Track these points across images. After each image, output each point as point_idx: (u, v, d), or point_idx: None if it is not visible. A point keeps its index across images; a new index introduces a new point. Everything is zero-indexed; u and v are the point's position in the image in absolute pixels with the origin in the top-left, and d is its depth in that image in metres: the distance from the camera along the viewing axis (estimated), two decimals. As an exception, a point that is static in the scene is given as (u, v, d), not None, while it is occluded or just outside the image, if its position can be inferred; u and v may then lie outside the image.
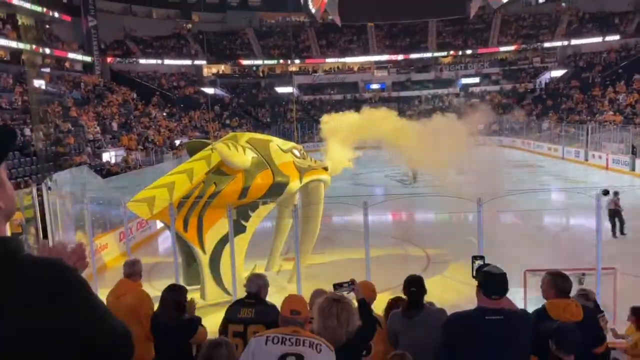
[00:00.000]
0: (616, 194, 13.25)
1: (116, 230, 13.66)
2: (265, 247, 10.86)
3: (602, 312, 5.28)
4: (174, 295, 4.15)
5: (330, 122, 12.92)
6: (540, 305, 3.66)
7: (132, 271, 4.95)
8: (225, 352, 3.15)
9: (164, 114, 40.13)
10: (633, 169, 23.70)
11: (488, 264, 3.24)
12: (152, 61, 48.13)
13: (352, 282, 3.82)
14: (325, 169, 10.60)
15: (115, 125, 31.26)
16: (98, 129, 28.75)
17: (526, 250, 10.94)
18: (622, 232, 13.02)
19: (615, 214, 13.08)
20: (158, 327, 4.16)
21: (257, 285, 4.25)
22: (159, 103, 41.46)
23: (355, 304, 3.76)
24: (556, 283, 3.57)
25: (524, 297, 7.53)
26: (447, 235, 12.99)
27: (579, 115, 37.59)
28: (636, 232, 12.85)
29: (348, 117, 13.16)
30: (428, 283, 9.54)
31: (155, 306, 4.76)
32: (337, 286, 3.79)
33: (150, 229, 15.61)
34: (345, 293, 3.80)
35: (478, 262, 3.43)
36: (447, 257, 11.36)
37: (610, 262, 8.11)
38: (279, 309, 3.19)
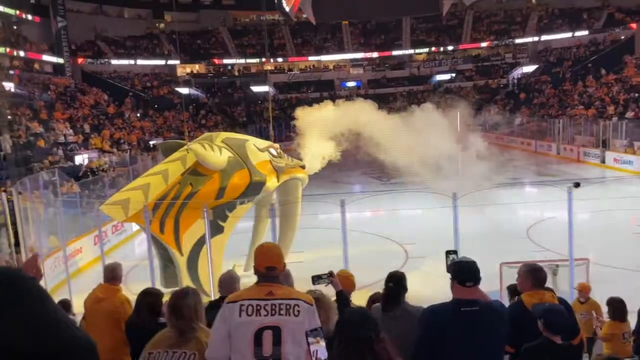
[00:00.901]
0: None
1: (90, 234, 13.42)
2: (244, 247, 10.80)
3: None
4: (149, 299, 4.08)
5: (305, 117, 12.52)
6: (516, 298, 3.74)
7: (113, 276, 4.83)
8: (192, 301, 3.03)
9: (138, 114, 39.56)
10: (603, 162, 24.28)
11: (462, 259, 3.28)
12: (125, 62, 47.35)
13: (331, 274, 3.83)
14: (303, 167, 10.60)
15: (87, 127, 30.68)
16: (70, 131, 28.18)
17: (501, 243, 11.13)
18: None
19: None
20: (133, 331, 4.10)
21: (228, 288, 4.20)
22: (133, 104, 40.84)
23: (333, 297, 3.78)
24: (531, 275, 3.64)
25: (500, 289, 7.64)
26: (424, 230, 13.10)
27: (550, 109, 38.34)
28: (607, 223, 13.18)
29: (324, 110, 12.79)
30: (407, 278, 9.60)
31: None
32: (316, 278, 3.79)
33: (126, 232, 15.39)
34: (323, 285, 3.81)
35: (452, 257, 3.46)
36: (424, 252, 11.45)
37: (583, 252, 8.29)
38: (254, 268, 2.99)
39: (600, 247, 10.93)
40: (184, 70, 51.94)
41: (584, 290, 6.32)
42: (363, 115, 12.73)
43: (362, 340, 2.41)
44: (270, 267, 2.87)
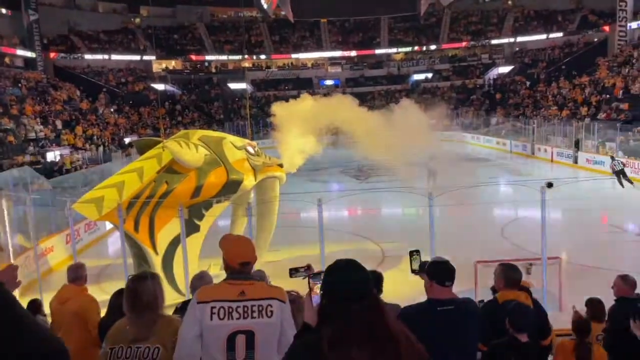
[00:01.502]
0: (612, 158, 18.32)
1: (62, 232, 13.12)
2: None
3: None
4: (122, 300, 3.98)
5: (282, 112, 12.17)
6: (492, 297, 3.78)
7: (76, 276, 4.71)
8: (151, 285, 2.89)
9: (112, 110, 38.90)
10: (576, 162, 24.78)
11: (426, 261, 3.30)
12: (99, 56, 46.51)
13: (309, 267, 3.78)
14: (281, 165, 10.53)
15: (59, 123, 30.03)
16: (41, 127, 27.53)
17: (476, 242, 11.25)
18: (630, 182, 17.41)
19: (619, 173, 17.71)
20: (105, 331, 3.98)
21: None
22: (107, 100, 40.14)
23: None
24: (506, 274, 3.68)
25: (475, 287, 7.72)
26: (401, 229, 13.19)
27: (525, 110, 39.00)
28: (579, 221, 13.44)
29: (302, 105, 12.47)
30: (384, 276, 9.60)
31: (103, 311, 4.59)
32: (293, 271, 3.74)
33: (99, 230, 15.10)
34: (301, 278, 3.77)
35: (415, 256, 3.46)
36: (401, 250, 11.50)
37: (556, 251, 8.44)
38: (224, 261, 2.82)
39: (572, 245, 11.13)
40: (159, 66, 51.25)
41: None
42: (343, 110, 12.56)
43: (354, 298, 1.85)
44: (244, 262, 2.75)
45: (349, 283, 1.94)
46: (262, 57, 53.91)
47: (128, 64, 48.72)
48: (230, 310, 2.60)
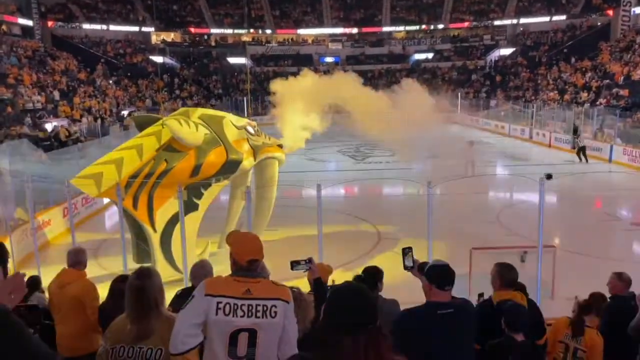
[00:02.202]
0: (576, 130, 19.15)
1: (60, 206, 13.14)
2: (220, 223, 10.75)
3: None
4: (123, 285, 3.98)
5: (283, 90, 11.89)
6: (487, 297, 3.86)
7: (76, 260, 4.72)
8: (158, 282, 2.92)
9: (110, 82, 38.53)
10: (574, 148, 24.78)
11: (427, 262, 3.33)
12: (97, 26, 45.83)
13: (310, 260, 3.81)
14: (280, 146, 10.51)
15: (57, 94, 29.76)
16: (39, 97, 27.29)
17: (472, 228, 11.34)
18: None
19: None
20: (107, 318, 4.02)
21: (200, 279, 4.15)
22: (105, 71, 39.72)
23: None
24: (500, 275, 3.74)
25: (469, 273, 7.81)
26: (397, 213, 13.26)
27: (524, 93, 38.83)
28: (572, 210, 13.52)
29: (303, 82, 12.23)
30: (379, 259, 9.68)
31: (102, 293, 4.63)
32: (295, 264, 3.78)
33: (97, 204, 15.12)
34: (302, 271, 3.80)
35: (408, 253, 3.48)
36: (397, 234, 11.61)
37: (549, 238, 8.50)
38: (231, 258, 2.85)
39: (566, 233, 11.24)
40: (158, 38, 50.59)
41: None
42: (347, 89, 12.29)
43: (354, 330, 1.82)
44: (253, 259, 2.78)
45: (350, 312, 1.84)
46: (268, 31, 53.09)
47: (126, 35, 48.08)
48: (236, 307, 2.64)
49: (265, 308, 2.65)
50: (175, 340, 2.60)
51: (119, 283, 4.06)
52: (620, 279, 4.65)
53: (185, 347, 2.59)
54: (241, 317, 2.63)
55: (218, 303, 2.64)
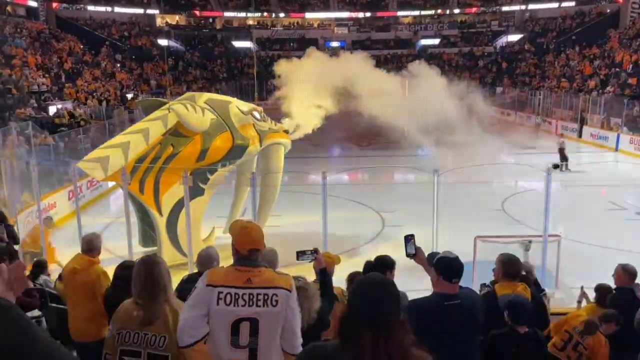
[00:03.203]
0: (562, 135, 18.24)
1: (65, 188, 13.20)
2: (226, 208, 10.79)
3: (544, 290, 5.57)
4: (127, 272, 3.93)
5: (287, 71, 11.62)
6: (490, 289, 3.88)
7: (90, 247, 4.75)
8: (165, 268, 2.94)
9: (118, 65, 38.40)
10: (580, 136, 24.67)
11: (438, 252, 3.33)
12: (102, 8, 45.52)
13: (315, 251, 3.83)
14: (286, 131, 10.49)
15: (62, 76, 29.70)
16: (44, 79, 27.23)
17: (477, 216, 11.34)
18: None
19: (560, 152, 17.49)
20: (111, 305, 4.02)
21: (207, 266, 4.17)
22: (109, 53, 39.55)
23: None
24: (503, 266, 3.76)
25: (474, 262, 7.82)
26: (402, 200, 13.24)
27: (531, 80, 38.48)
28: (577, 198, 13.49)
29: (309, 63, 11.93)
30: (382, 246, 9.69)
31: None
32: (300, 254, 3.80)
33: (102, 187, 15.19)
34: (307, 261, 3.83)
35: (410, 240, 3.47)
36: (401, 220, 11.59)
37: (554, 227, 8.46)
38: (233, 247, 2.86)
39: (571, 222, 11.20)
40: (163, 20, 50.26)
41: None
42: (356, 69, 11.91)
43: (378, 323, 1.76)
44: (253, 249, 2.79)
45: (372, 305, 1.81)
46: (281, 15, 52.55)
47: (131, 17, 47.78)
48: (237, 297, 2.65)
49: (266, 297, 2.66)
50: (182, 334, 2.65)
51: (122, 270, 4.06)
52: (626, 271, 4.66)
53: (192, 340, 2.64)
54: (242, 306, 2.65)
55: (219, 293, 2.67)
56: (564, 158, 17.49)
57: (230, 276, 2.74)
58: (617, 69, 30.79)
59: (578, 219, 11.54)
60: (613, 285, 4.78)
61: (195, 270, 4.54)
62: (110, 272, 4.59)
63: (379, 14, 53.15)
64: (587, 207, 12.90)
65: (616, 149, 20.61)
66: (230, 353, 2.67)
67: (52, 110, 23.02)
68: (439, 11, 52.18)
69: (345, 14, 53.16)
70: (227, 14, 52.21)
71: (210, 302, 2.67)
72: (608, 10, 42.33)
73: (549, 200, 6.87)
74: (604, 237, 10.17)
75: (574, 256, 8.61)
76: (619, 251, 9.03)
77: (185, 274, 5.57)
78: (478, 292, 4.30)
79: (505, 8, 49.66)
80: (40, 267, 6.48)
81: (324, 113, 11.42)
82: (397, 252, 3.68)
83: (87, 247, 4.73)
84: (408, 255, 3.48)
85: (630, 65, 29.95)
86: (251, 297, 2.66)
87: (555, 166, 7.33)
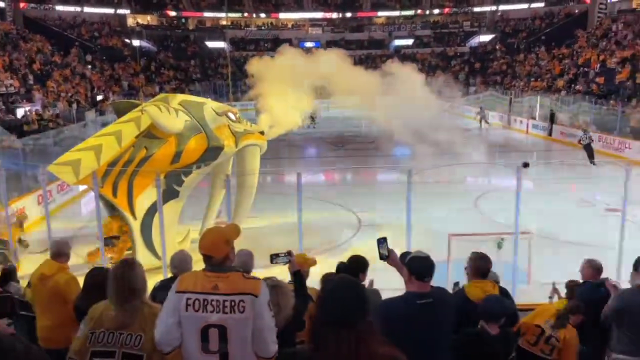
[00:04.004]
0: (585, 131, 18.81)
1: (34, 193, 12.88)
2: (202, 210, 10.69)
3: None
4: (97, 279, 3.76)
5: (260, 70, 11.42)
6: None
7: (59, 252, 4.65)
8: (138, 273, 2.92)
9: (89, 66, 37.65)
10: (550, 134, 25.20)
11: (410, 252, 3.38)
12: (71, 8, 44.62)
13: (289, 253, 3.83)
14: (262, 133, 10.44)
15: (31, 78, 29.00)
16: (11, 81, 26.55)
17: (451, 214, 11.49)
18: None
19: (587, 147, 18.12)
20: (82, 312, 3.94)
21: (180, 268, 4.16)
22: (79, 54, 38.77)
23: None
24: (476, 264, 3.84)
25: (448, 260, 7.91)
26: (378, 199, 13.32)
27: (503, 79, 39.16)
28: (548, 195, 13.77)
29: (283, 60, 11.78)
30: (359, 246, 9.73)
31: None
32: (274, 257, 3.80)
33: (72, 192, 14.87)
34: (281, 264, 3.82)
35: (383, 244, 3.52)
36: (377, 220, 11.67)
37: (526, 223, 8.60)
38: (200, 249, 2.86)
39: (542, 218, 11.42)
40: (134, 20, 49.52)
41: None
42: (332, 66, 11.65)
43: (347, 325, 1.80)
44: (207, 255, 2.79)
45: (340, 306, 1.83)
46: (261, 15, 52.34)
47: (101, 17, 46.94)
48: (205, 303, 2.65)
49: (233, 303, 2.64)
50: (159, 343, 2.68)
51: (93, 276, 3.98)
52: (592, 266, 4.80)
53: (169, 348, 2.68)
54: (210, 312, 2.65)
55: (187, 299, 2.67)
56: (591, 154, 18.26)
57: (198, 282, 2.73)
58: (585, 69, 31.56)
59: (549, 217, 11.76)
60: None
61: (170, 274, 4.50)
62: (82, 278, 4.51)
63: (352, 14, 53.40)
64: (558, 205, 13.16)
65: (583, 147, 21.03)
66: (202, 358, 2.67)
67: (20, 112, 22.47)
68: (412, 12, 52.65)
69: (319, 15, 53.25)
70: (204, 14, 51.73)
71: (180, 308, 2.67)
72: (576, 11, 43.39)
73: (519, 197, 7.00)
74: (575, 233, 10.40)
75: (546, 253, 8.79)
76: (590, 247, 9.23)
77: (160, 277, 5.51)
78: (450, 290, 4.37)
79: (477, 9, 50.48)
80: (9, 274, 6.30)
81: (301, 111, 11.39)
82: (374, 252, 3.70)
83: (55, 253, 4.64)
84: (381, 258, 3.52)
85: (598, 65, 30.74)
86: (218, 303, 2.65)
87: (525, 165, 7.47)
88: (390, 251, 3.52)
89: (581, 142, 19.03)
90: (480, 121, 29.24)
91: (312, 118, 27.50)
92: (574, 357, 4.22)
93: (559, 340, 4.17)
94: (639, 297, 4.25)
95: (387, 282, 4.52)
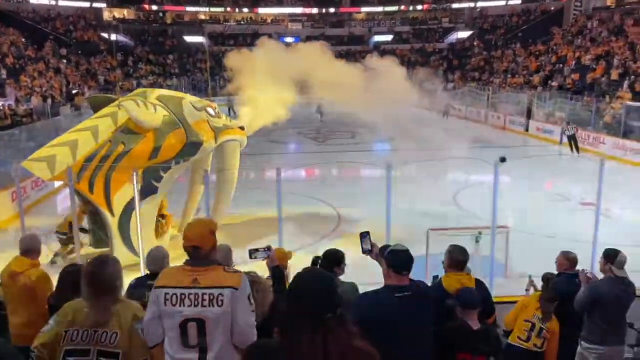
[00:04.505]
0: (568, 122, 19.37)
1: (7, 189, 12.60)
2: (181, 207, 10.59)
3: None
4: (72, 277, 3.62)
5: (240, 61, 11.34)
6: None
7: (29, 248, 4.51)
8: (114, 270, 2.85)
9: (64, 60, 36.91)
10: (527, 130, 25.58)
11: (389, 245, 3.40)
12: (45, 1, 43.64)
13: (268, 248, 3.82)
14: (242, 128, 10.36)
15: (3, 73, 28.33)
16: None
17: (429, 209, 11.59)
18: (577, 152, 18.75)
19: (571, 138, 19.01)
20: (55, 309, 3.86)
21: (156, 264, 4.14)
22: (54, 48, 37.98)
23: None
24: (452, 255, 3.89)
25: (426, 254, 7.98)
26: (357, 195, 13.38)
27: (480, 75, 39.60)
28: (524, 190, 13.99)
29: (261, 54, 11.67)
30: (338, 242, 9.75)
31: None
32: (253, 252, 3.78)
33: (47, 188, 14.58)
34: (260, 259, 3.82)
35: (366, 238, 3.55)
36: (356, 215, 11.71)
37: (503, 219, 8.74)
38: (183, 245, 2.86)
39: (518, 213, 11.61)
40: (110, 14, 48.69)
41: None
42: (314, 60, 11.58)
43: (315, 317, 1.79)
44: (194, 246, 2.79)
45: (309, 299, 1.85)
46: (250, 10, 51.83)
47: (76, 10, 46.04)
48: (183, 297, 2.67)
49: (211, 297, 2.65)
50: (147, 336, 2.73)
51: (68, 273, 3.89)
52: (567, 258, 4.91)
53: (154, 343, 2.74)
54: (188, 306, 2.66)
55: (166, 294, 2.69)
56: (575, 145, 19.09)
57: (177, 276, 2.75)
58: (561, 65, 32.08)
59: (526, 211, 11.96)
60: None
61: (147, 271, 4.46)
62: (56, 275, 4.42)
63: (332, 10, 53.33)
64: (534, 199, 13.38)
65: (560, 142, 21.45)
66: (182, 352, 2.69)
67: (-8, 107, 21.92)
68: (401, 7, 52.77)
69: (298, 10, 53.08)
70: (185, 7, 51.07)
71: (159, 303, 2.70)
72: (552, 8, 44.04)
73: (496, 192, 7.09)
74: (551, 227, 10.58)
75: (522, 246, 8.93)
76: (565, 240, 9.41)
77: (139, 274, 5.45)
78: (430, 283, 4.41)
79: (455, 5, 50.86)
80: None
81: (282, 105, 11.31)
82: (354, 246, 3.71)
83: (25, 248, 4.51)
84: (364, 251, 3.55)
85: (573, 62, 31.28)
86: (197, 297, 2.66)
87: (502, 159, 7.57)
88: (373, 245, 3.54)
89: (565, 133, 19.47)
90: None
91: (321, 113, 27.48)
92: (557, 345, 4.38)
93: (548, 331, 4.33)
94: (609, 287, 4.38)
95: (369, 277, 4.55)
